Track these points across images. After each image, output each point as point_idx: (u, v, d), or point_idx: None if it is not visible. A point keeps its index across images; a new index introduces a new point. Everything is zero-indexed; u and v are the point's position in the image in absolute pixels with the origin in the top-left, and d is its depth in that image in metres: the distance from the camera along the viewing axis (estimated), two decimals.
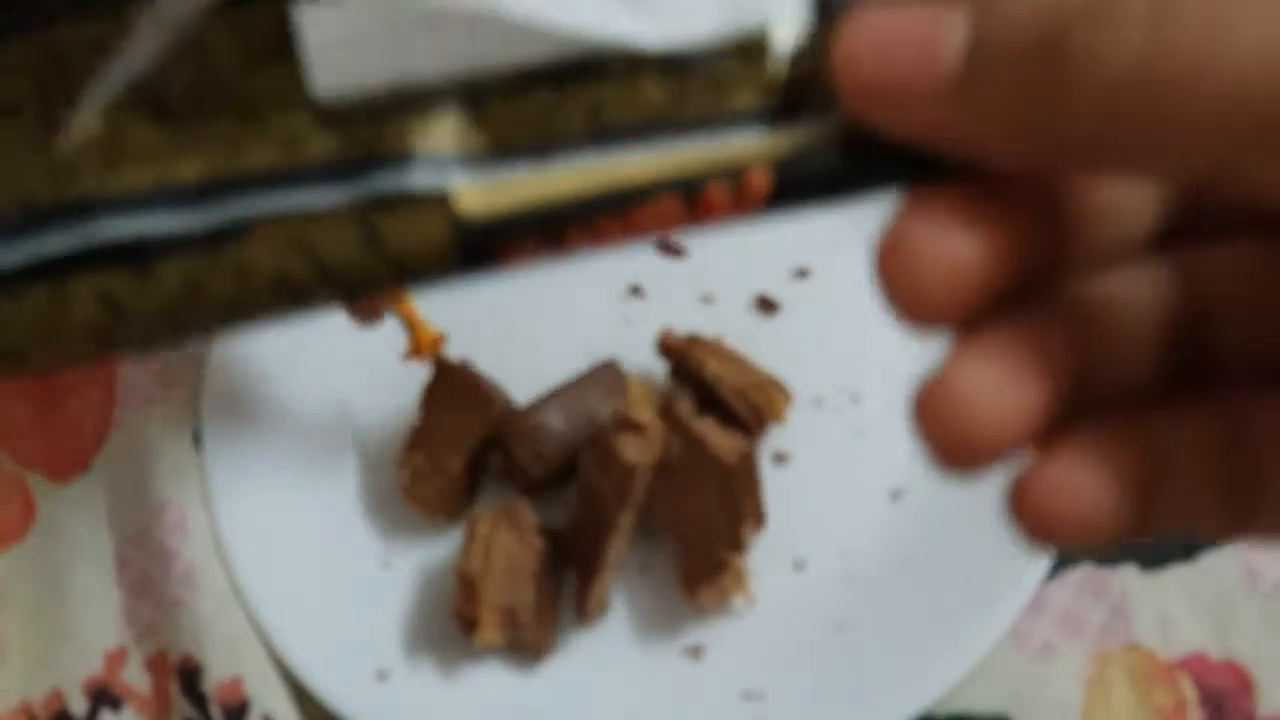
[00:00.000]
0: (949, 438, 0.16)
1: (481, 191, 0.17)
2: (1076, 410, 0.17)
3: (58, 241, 0.17)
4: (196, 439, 0.53)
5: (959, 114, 0.16)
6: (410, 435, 0.50)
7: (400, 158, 0.17)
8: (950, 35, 0.16)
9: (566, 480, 0.49)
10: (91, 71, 0.17)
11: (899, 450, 0.49)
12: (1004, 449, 0.17)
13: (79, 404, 0.56)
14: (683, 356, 0.49)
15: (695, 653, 0.47)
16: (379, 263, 0.17)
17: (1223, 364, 0.18)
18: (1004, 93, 0.15)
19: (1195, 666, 0.45)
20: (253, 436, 0.52)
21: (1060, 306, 0.18)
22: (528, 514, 0.47)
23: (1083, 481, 0.17)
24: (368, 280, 0.17)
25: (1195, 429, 0.17)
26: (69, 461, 0.56)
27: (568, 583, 0.49)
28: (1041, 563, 0.45)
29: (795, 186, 0.17)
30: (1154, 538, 0.17)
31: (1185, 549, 0.46)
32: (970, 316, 0.17)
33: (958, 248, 0.16)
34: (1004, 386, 0.16)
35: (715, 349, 0.49)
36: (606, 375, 0.50)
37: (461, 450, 0.50)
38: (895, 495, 0.49)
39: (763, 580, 0.47)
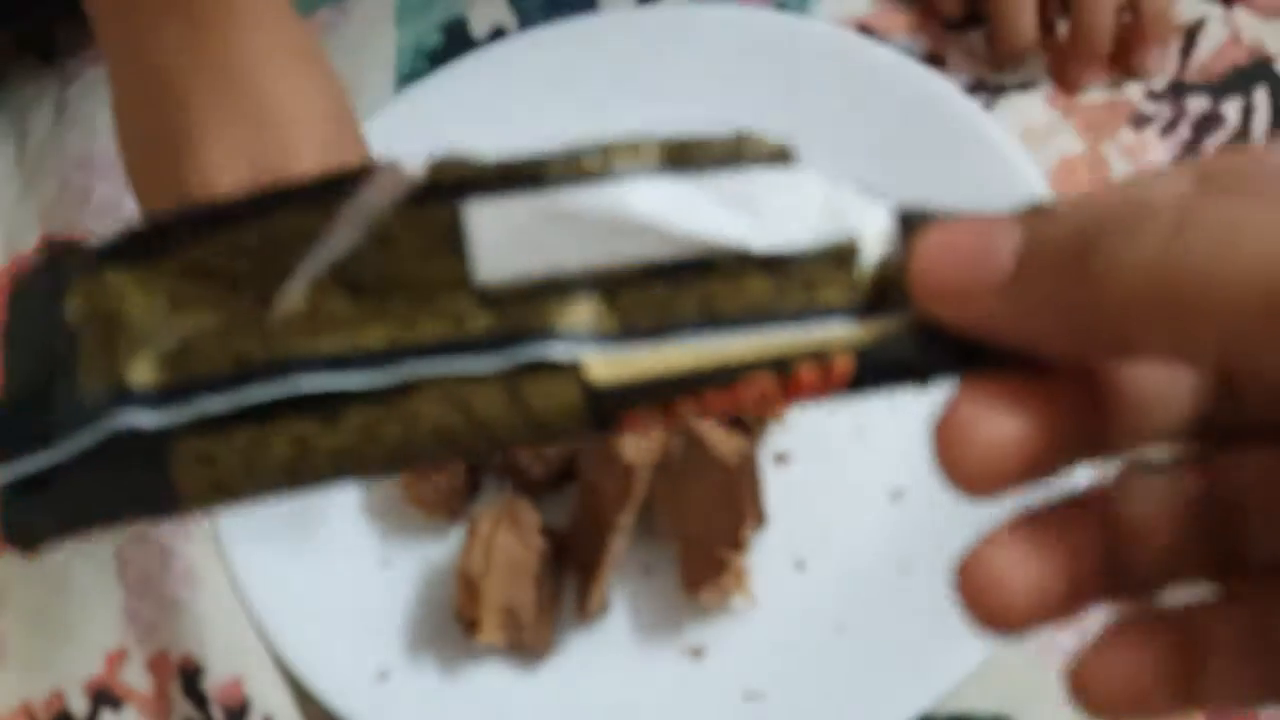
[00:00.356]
0: (984, 610, 0.19)
1: (609, 363, 0.20)
2: (1114, 584, 0.20)
3: (262, 392, 0.20)
4: None
5: (1011, 310, 0.18)
6: None
7: (544, 333, 0.20)
8: (1005, 243, 0.19)
9: (567, 480, 0.49)
10: (300, 255, 0.20)
11: (899, 450, 0.49)
12: (1033, 622, 0.19)
13: None
14: None
15: (696, 653, 0.47)
16: (521, 420, 0.20)
17: (1252, 552, 0.20)
18: (1047, 290, 0.18)
19: None
20: None
21: (1096, 491, 0.20)
22: (529, 513, 0.47)
23: (1133, 671, 0.19)
24: (511, 434, 0.20)
25: (1233, 613, 0.19)
26: None
27: (568, 583, 0.49)
28: None
29: (875, 371, 0.20)
30: (1204, 712, 0.19)
31: None
32: (1015, 488, 0.19)
33: (1004, 428, 0.19)
34: (1033, 570, 0.19)
35: None
36: None
37: None
38: (895, 495, 0.49)
39: (763, 580, 0.47)
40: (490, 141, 0.63)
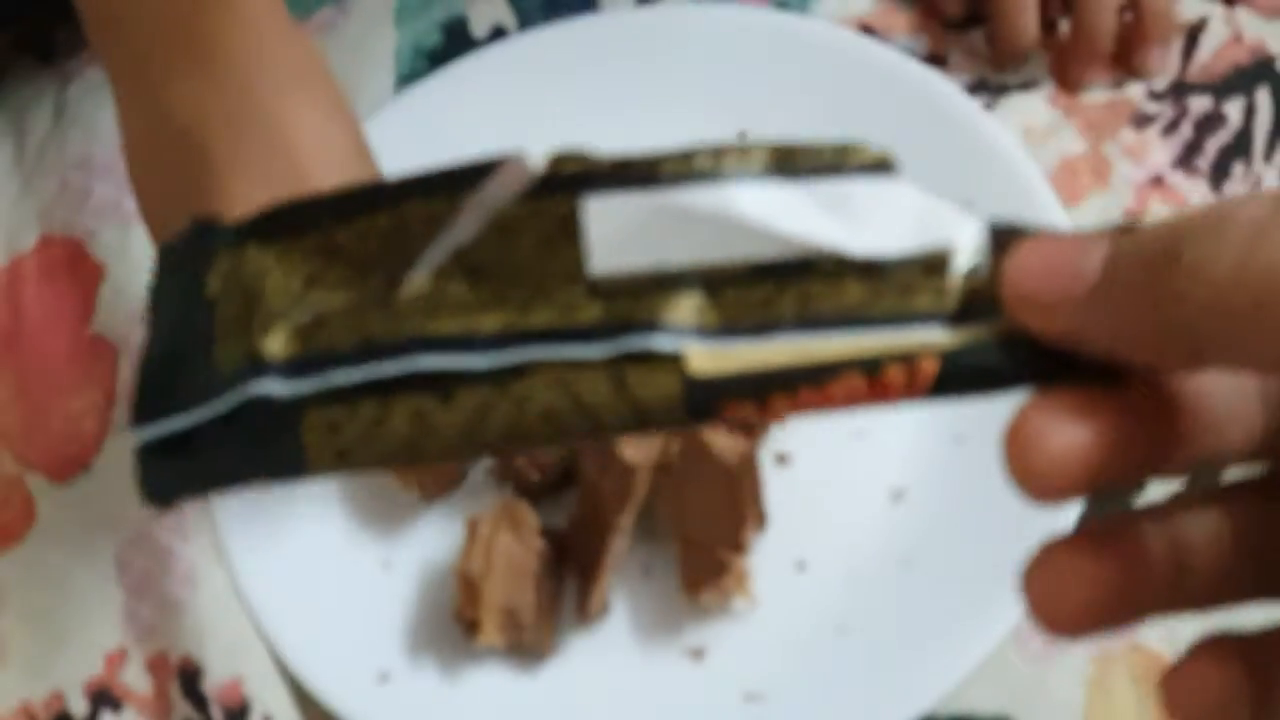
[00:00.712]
0: (1046, 617, 0.20)
1: (709, 356, 0.21)
2: (1171, 598, 0.21)
3: (386, 368, 0.21)
4: None
5: (1095, 318, 0.19)
6: None
7: (649, 325, 0.21)
8: (1093, 255, 0.20)
9: (565, 486, 0.49)
10: (427, 241, 0.22)
11: (900, 450, 0.49)
12: (1093, 629, 0.20)
13: (79, 404, 0.56)
14: None
15: (696, 654, 0.47)
16: (623, 406, 0.21)
17: None
18: (1130, 298, 0.19)
19: None
20: None
21: (1155, 509, 0.21)
22: (529, 515, 0.47)
23: (1214, 688, 0.20)
24: (614, 419, 0.21)
25: None
26: (69, 462, 0.55)
27: (569, 584, 0.49)
28: None
29: (958, 375, 0.20)
30: None
31: None
32: (1081, 495, 0.20)
33: (1073, 438, 0.19)
34: (1092, 580, 0.20)
35: None
36: None
37: None
38: (897, 495, 0.48)
39: (764, 581, 0.47)
40: (490, 142, 0.62)
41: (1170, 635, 0.45)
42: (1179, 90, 0.54)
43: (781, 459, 0.50)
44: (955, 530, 0.47)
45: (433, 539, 0.50)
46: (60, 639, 0.52)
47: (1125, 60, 0.55)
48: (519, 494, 0.49)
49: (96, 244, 0.59)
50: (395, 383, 0.21)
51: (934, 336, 0.21)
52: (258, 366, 0.21)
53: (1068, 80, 0.55)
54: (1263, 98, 0.54)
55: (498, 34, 0.61)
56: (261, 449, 0.21)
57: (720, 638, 0.47)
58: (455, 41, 0.61)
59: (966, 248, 0.21)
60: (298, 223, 0.22)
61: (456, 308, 0.21)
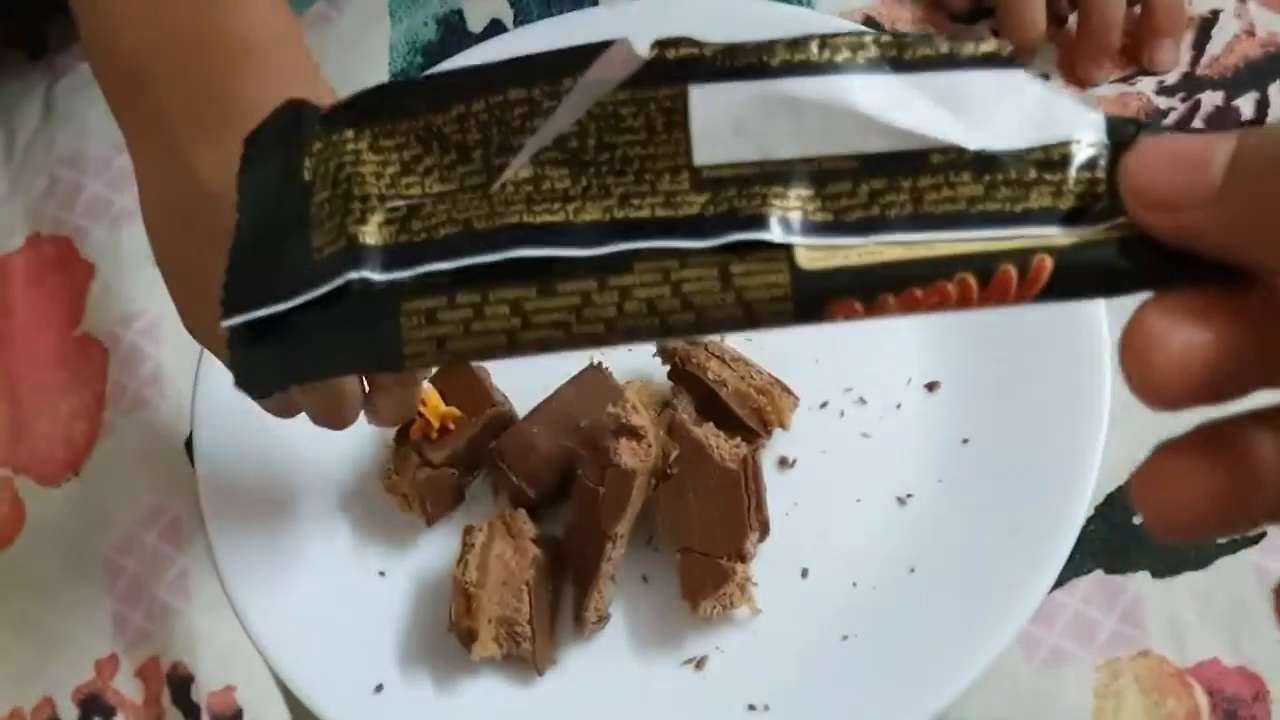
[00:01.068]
0: (1157, 518, 0.20)
1: (816, 251, 0.20)
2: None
3: (485, 257, 0.21)
4: (188, 445, 0.52)
5: (1218, 217, 0.19)
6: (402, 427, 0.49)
7: (755, 219, 0.20)
8: (1220, 150, 0.19)
9: (563, 494, 0.49)
10: (527, 128, 0.21)
11: (906, 455, 0.48)
12: (1204, 530, 0.20)
13: (68, 406, 0.56)
14: (684, 359, 0.48)
15: (698, 664, 0.46)
16: (729, 298, 0.20)
17: None
18: (1260, 190, 0.19)
19: (1208, 673, 0.44)
20: (245, 444, 0.51)
21: (1268, 412, 0.20)
22: (525, 523, 0.46)
23: None
24: (719, 313, 0.20)
25: None
26: (59, 465, 0.55)
27: (566, 594, 0.48)
28: (1051, 570, 0.44)
29: (1072, 275, 0.20)
30: None
31: (1198, 555, 0.45)
32: (1198, 401, 0.19)
33: (1192, 341, 0.19)
34: (1204, 480, 0.20)
35: (718, 351, 0.48)
36: (591, 381, 0.49)
37: (448, 443, 0.48)
38: (902, 501, 0.48)
39: (767, 589, 0.46)
40: None
41: (1178, 642, 0.44)
42: (1190, 85, 0.54)
43: (785, 463, 0.49)
44: (962, 536, 0.46)
45: (429, 550, 0.50)
46: (50, 645, 0.52)
47: (1135, 54, 0.54)
48: (515, 507, 0.48)
49: (87, 242, 0.59)
50: (494, 271, 0.21)
51: (1049, 234, 0.20)
52: (355, 254, 0.21)
53: (1076, 75, 0.54)
54: (1275, 92, 0.53)
55: (494, 28, 0.60)
56: (359, 336, 0.21)
57: (722, 647, 0.46)
58: (451, 36, 0.60)
59: (1086, 143, 0.20)
60: (392, 108, 0.22)
61: (556, 197, 0.21)
